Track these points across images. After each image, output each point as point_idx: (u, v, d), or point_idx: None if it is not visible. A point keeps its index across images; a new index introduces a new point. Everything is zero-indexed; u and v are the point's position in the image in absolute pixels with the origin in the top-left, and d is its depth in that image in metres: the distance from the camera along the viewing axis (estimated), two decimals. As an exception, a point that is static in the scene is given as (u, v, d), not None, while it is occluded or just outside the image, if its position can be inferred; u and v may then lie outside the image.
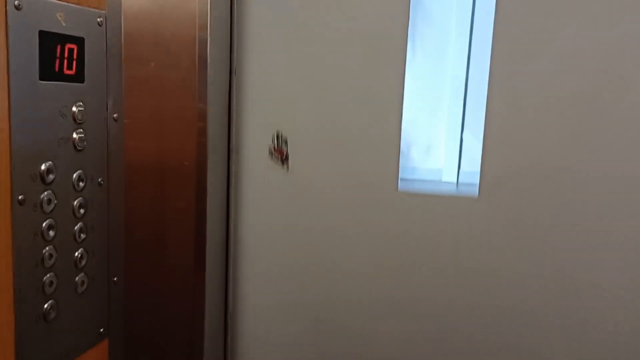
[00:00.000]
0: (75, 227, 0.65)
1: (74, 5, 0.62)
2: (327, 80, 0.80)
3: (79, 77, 0.64)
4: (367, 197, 0.81)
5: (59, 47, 0.60)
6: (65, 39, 0.61)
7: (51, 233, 0.61)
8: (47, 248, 0.61)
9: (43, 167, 0.60)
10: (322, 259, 0.85)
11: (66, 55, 0.61)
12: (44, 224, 0.60)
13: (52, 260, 0.62)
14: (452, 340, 0.82)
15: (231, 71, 0.82)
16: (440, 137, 0.88)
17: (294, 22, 0.80)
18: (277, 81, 0.82)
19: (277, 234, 0.85)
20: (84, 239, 0.67)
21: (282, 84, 0.82)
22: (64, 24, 0.61)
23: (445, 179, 0.87)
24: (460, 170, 0.87)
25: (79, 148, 0.65)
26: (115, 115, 0.71)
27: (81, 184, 0.66)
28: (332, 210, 0.83)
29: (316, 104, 0.81)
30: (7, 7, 0.54)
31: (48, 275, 0.62)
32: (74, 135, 0.64)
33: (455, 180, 0.86)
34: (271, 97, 0.82)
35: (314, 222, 0.84)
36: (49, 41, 0.59)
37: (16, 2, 0.54)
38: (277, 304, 0.87)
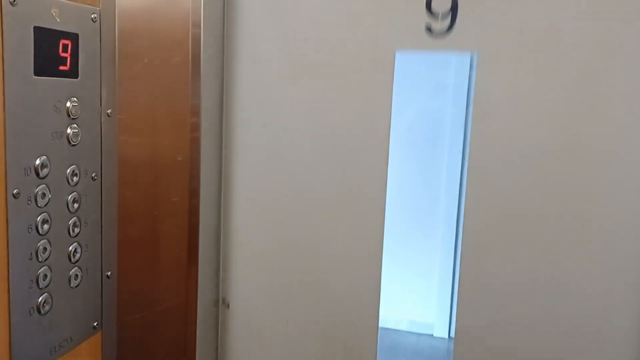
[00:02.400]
0: (69, 222, 0.66)
1: (68, 1, 0.63)
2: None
3: (73, 73, 0.64)
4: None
5: (53, 43, 0.61)
6: (59, 34, 0.61)
7: (45, 227, 0.62)
8: (41, 241, 0.62)
9: (37, 161, 0.60)
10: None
11: (60, 51, 0.62)
12: (38, 218, 0.61)
13: (46, 253, 0.63)
14: None
15: (224, 67, 0.82)
16: (432, 290, 0.90)
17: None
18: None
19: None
20: (78, 233, 0.68)
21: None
22: (58, 20, 0.61)
23: (437, 334, 0.88)
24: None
25: (73, 143, 0.65)
26: (109, 110, 0.71)
27: (75, 179, 0.66)
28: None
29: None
30: (2, 3, 0.54)
31: (42, 268, 0.62)
32: (68, 130, 0.64)
33: (447, 335, 0.88)
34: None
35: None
36: (44, 37, 0.59)
37: (11, -2, 0.55)
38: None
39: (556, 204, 0.75)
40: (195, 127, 0.74)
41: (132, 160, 0.74)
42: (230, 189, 0.86)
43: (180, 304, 0.78)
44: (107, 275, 0.75)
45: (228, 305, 0.89)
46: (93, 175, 0.70)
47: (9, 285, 0.58)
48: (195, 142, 0.74)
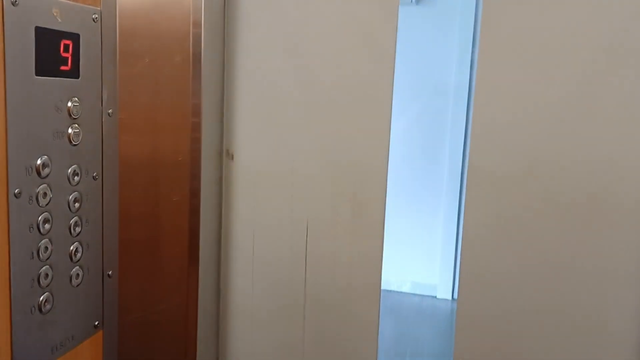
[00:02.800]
0: (71, 221, 0.66)
1: (69, 1, 0.63)
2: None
3: (74, 73, 0.65)
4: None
5: (54, 43, 0.61)
6: (60, 35, 0.62)
7: (47, 226, 0.62)
8: (42, 241, 0.62)
9: (39, 161, 0.60)
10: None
11: (62, 51, 0.62)
12: (39, 217, 0.61)
13: (48, 252, 0.63)
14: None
15: (224, 67, 0.83)
16: (435, 251, 0.90)
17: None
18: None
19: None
20: (79, 232, 0.68)
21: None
22: (59, 20, 0.62)
23: (440, 295, 0.89)
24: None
25: (74, 143, 0.65)
26: (110, 110, 0.72)
27: (76, 178, 0.66)
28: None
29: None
30: (4, 3, 0.54)
31: (43, 267, 0.62)
32: (69, 130, 0.65)
33: (450, 296, 0.89)
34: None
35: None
36: (45, 37, 0.59)
37: (12, -1, 0.55)
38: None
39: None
40: (196, 127, 0.74)
41: (133, 160, 0.75)
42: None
43: (181, 302, 0.78)
44: (108, 275, 0.75)
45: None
46: (94, 174, 0.70)
47: (10, 284, 0.58)
48: (196, 142, 0.75)
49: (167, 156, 0.75)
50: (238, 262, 0.88)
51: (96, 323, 0.74)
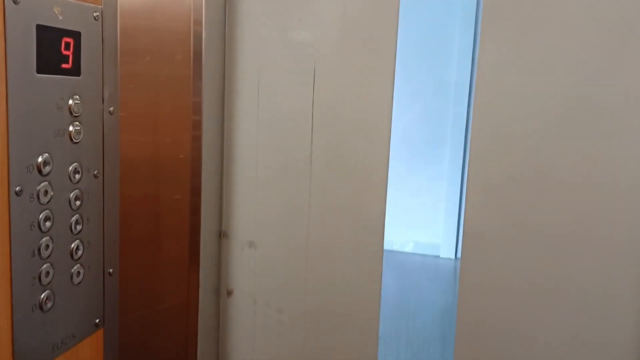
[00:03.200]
0: (71, 219, 0.66)
1: (70, -1, 0.63)
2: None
3: (75, 71, 0.65)
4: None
5: (55, 41, 0.61)
6: (62, 32, 0.62)
7: (48, 224, 0.62)
8: (43, 239, 0.62)
9: (40, 159, 0.60)
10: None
11: (63, 49, 0.62)
12: (40, 215, 0.61)
13: (49, 250, 0.63)
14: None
15: (225, 65, 0.83)
16: (439, 210, 0.90)
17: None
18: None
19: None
20: (80, 230, 0.68)
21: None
22: (60, 18, 0.62)
23: (443, 255, 0.89)
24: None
25: (75, 140, 0.66)
26: (110, 108, 0.72)
27: (77, 176, 0.67)
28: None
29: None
30: (5, 1, 0.54)
31: (44, 265, 0.63)
32: (70, 127, 0.65)
33: (453, 256, 0.88)
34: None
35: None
36: (46, 35, 0.60)
37: (14, -4, 0.55)
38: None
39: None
40: (197, 125, 0.74)
41: (134, 158, 0.75)
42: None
43: (182, 301, 0.78)
44: (109, 273, 0.75)
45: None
46: (95, 172, 0.70)
47: (11, 282, 0.58)
48: (197, 140, 0.75)
49: (168, 154, 0.75)
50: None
51: (97, 321, 0.74)
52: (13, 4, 0.55)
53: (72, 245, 0.67)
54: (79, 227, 0.68)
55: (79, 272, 0.68)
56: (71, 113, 0.64)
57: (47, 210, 0.62)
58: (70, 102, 0.64)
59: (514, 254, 0.78)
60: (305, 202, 0.85)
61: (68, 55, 0.63)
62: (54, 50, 0.61)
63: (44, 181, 0.61)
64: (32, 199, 0.60)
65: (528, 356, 0.79)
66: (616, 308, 0.76)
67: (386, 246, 0.81)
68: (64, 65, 0.63)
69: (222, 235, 0.87)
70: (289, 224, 0.86)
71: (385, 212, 0.81)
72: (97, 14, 0.68)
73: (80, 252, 0.68)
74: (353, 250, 0.83)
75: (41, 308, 0.63)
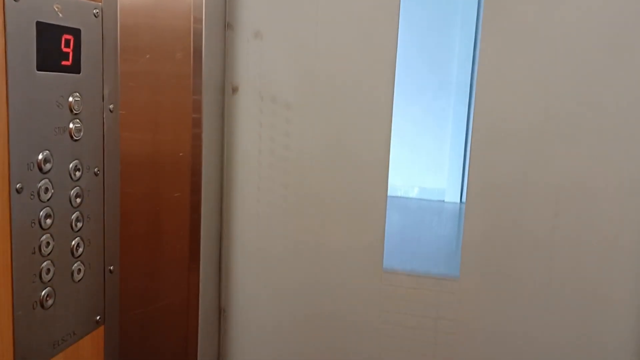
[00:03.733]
0: (72, 216, 0.66)
1: (70, -4, 0.63)
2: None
3: (75, 68, 0.65)
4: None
5: (55, 38, 0.61)
6: (62, 30, 0.62)
7: (48, 221, 0.62)
8: (44, 236, 0.62)
9: (40, 156, 0.60)
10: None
11: (63, 46, 0.62)
12: (41, 212, 0.61)
13: (49, 248, 0.63)
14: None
15: (225, 63, 0.83)
16: (444, 154, 0.90)
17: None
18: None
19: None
20: (81, 227, 0.68)
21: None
22: (60, 15, 0.61)
23: (448, 199, 0.89)
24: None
25: (76, 138, 0.66)
26: (111, 106, 0.72)
27: (77, 174, 0.67)
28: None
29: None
30: (5, -2, 0.54)
31: (45, 262, 0.63)
32: (71, 125, 0.65)
33: (458, 200, 0.88)
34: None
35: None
36: (46, 32, 0.59)
37: (14, -7, 0.55)
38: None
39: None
40: (197, 123, 0.74)
41: (134, 155, 0.75)
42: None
43: (182, 298, 0.78)
44: (110, 270, 0.75)
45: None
46: (95, 170, 0.70)
47: (12, 279, 0.58)
48: (197, 138, 0.75)
49: (168, 152, 0.75)
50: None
51: (97, 318, 0.74)
52: (13, 1, 0.55)
53: (73, 242, 0.67)
54: (79, 225, 0.68)
55: (79, 270, 0.69)
56: (71, 110, 0.64)
57: (47, 208, 0.62)
58: (71, 99, 0.64)
59: (520, 198, 0.78)
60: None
61: (68, 53, 0.63)
62: (54, 47, 0.61)
63: (44, 178, 0.61)
64: (32, 196, 0.60)
65: (528, 288, 0.80)
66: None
67: (391, 192, 0.82)
68: (64, 63, 0.63)
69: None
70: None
71: (389, 157, 0.81)
72: (97, 11, 0.68)
73: (80, 250, 0.68)
74: (355, 196, 0.82)
75: (42, 305, 0.63)
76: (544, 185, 0.77)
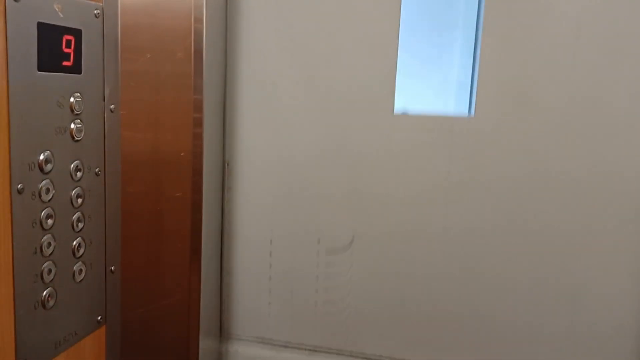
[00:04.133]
0: (73, 216, 0.66)
1: (71, -3, 0.63)
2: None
3: (76, 68, 0.65)
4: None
5: (56, 39, 0.61)
6: (63, 30, 0.62)
7: (49, 222, 0.62)
8: (45, 236, 0.62)
9: (41, 156, 0.60)
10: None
11: (64, 46, 0.62)
12: (42, 213, 0.61)
13: (51, 248, 0.63)
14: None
15: (226, 62, 0.83)
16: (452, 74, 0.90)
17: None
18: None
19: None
20: (82, 228, 0.68)
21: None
22: (61, 16, 0.61)
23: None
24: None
25: (77, 138, 0.66)
26: (112, 106, 0.72)
27: (79, 174, 0.67)
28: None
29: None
30: (6, -1, 0.54)
31: (46, 263, 0.63)
32: (72, 125, 0.65)
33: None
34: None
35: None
36: (47, 32, 0.59)
37: (15, -6, 0.55)
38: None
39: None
40: (198, 123, 0.74)
41: (135, 155, 0.75)
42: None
43: (184, 297, 0.78)
44: (111, 270, 0.75)
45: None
46: (96, 170, 0.70)
47: (14, 279, 0.58)
48: (198, 138, 0.75)
49: (169, 152, 0.75)
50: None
51: (99, 318, 0.74)
52: (14, 2, 0.55)
53: (74, 242, 0.67)
54: (80, 225, 0.68)
55: (81, 270, 0.69)
56: (72, 111, 0.64)
57: (48, 208, 0.62)
58: (72, 99, 0.64)
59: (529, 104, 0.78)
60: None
61: (69, 53, 0.63)
62: (55, 47, 0.61)
63: (45, 179, 0.61)
64: (33, 196, 0.60)
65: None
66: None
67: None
68: (65, 63, 0.63)
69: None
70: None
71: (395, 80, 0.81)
72: (98, 11, 0.68)
73: (82, 250, 0.68)
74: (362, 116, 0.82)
75: (43, 305, 0.63)
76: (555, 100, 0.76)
